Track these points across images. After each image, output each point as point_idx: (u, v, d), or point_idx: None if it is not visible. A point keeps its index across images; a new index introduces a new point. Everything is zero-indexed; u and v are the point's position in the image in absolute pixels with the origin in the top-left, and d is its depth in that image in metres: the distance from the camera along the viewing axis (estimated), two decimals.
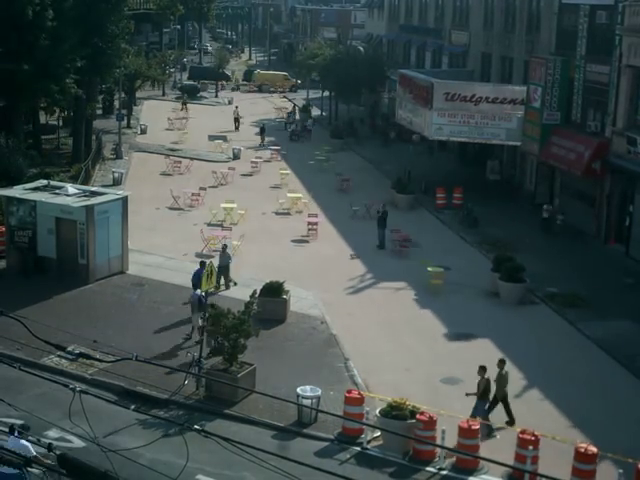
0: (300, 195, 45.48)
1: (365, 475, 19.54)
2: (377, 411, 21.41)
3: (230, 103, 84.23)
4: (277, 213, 43.93)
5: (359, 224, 42.04)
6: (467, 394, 22.19)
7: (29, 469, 12.58)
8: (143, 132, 65.34)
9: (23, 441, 16.37)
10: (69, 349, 11.98)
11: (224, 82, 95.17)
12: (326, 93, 75.15)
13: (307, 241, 39.32)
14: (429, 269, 33.41)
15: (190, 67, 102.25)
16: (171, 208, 43.90)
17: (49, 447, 12.46)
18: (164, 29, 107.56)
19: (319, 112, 78.29)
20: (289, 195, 45.48)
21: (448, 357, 26.74)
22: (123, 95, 63.21)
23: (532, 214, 43.45)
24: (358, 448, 20.91)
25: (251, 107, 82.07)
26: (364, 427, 21.03)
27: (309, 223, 40.09)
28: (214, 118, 74.37)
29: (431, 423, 20.52)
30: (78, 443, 19.59)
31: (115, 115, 59.83)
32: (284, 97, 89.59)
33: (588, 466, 19.27)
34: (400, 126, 57.29)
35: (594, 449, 19.45)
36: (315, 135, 67.16)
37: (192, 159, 55.53)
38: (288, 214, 43.65)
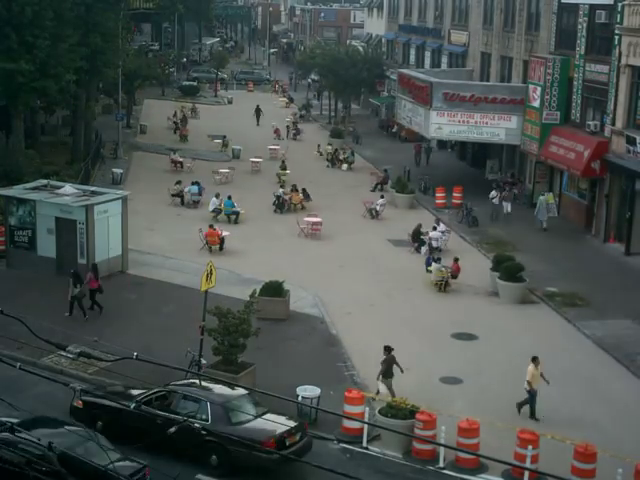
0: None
1: (365, 474, 19.54)
2: (377, 410, 21.45)
3: (230, 103, 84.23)
4: (277, 212, 43.92)
5: (359, 223, 42.05)
6: None
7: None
8: (143, 132, 65.33)
9: None
10: (69, 348, 11.95)
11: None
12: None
13: (307, 240, 39.34)
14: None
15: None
16: (171, 207, 43.92)
17: (49, 446, 12.48)
18: (163, 28, 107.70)
19: (319, 112, 78.39)
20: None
21: (448, 356, 26.75)
22: (123, 95, 63.15)
23: (531, 213, 43.51)
24: (358, 447, 20.95)
25: (253, 105, 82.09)
26: (364, 426, 21.07)
27: (309, 222, 40.12)
28: (215, 117, 74.34)
29: (431, 422, 20.56)
30: None
31: (115, 115, 59.82)
32: (284, 97, 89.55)
33: (588, 465, 19.30)
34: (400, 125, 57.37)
35: (594, 448, 19.48)
36: (315, 134, 67.18)
37: (192, 159, 55.56)
38: (288, 213, 43.63)
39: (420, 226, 38.12)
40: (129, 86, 64.97)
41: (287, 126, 68.22)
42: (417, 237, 37.65)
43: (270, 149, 57.82)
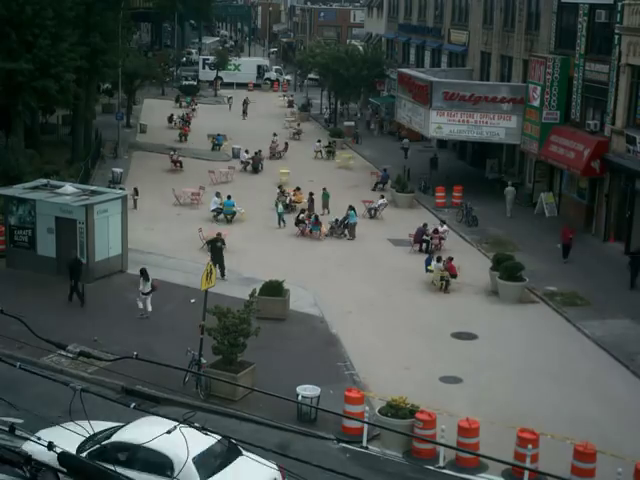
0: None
1: (365, 474, 19.51)
2: (377, 410, 21.45)
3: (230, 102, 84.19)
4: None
5: (359, 222, 41.98)
6: None
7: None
8: (142, 131, 65.28)
9: None
10: (69, 348, 11.92)
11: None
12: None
13: (307, 240, 39.31)
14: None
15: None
16: (171, 207, 43.92)
17: (49, 446, 12.42)
18: (163, 28, 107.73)
19: (318, 111, 78.36)
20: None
21: (447, 356, 26.75)
22: (123, 94, 63.14)
23: (531, 213, 43.55)
24: (358, 447, 20.95)
25: (253, 105, 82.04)
26: (364, 426, 21.07)
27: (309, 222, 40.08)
28: (215, 117, 74.27)
29: (430, 422, 20.55)
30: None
31: (115, 114, 59.81)
32: (284, 96, 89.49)
33: (587, 464, 19.30)
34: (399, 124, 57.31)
35: (593, 447, 19.48)
36: (314, 134, 67.16)
37: (192, 158, 55.57)
38: (288, 212, 43.59)
39: (425, 226, 38.11)
40: (129, 86, 64.94)
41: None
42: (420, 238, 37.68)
43: (270, 148, 57.85)
